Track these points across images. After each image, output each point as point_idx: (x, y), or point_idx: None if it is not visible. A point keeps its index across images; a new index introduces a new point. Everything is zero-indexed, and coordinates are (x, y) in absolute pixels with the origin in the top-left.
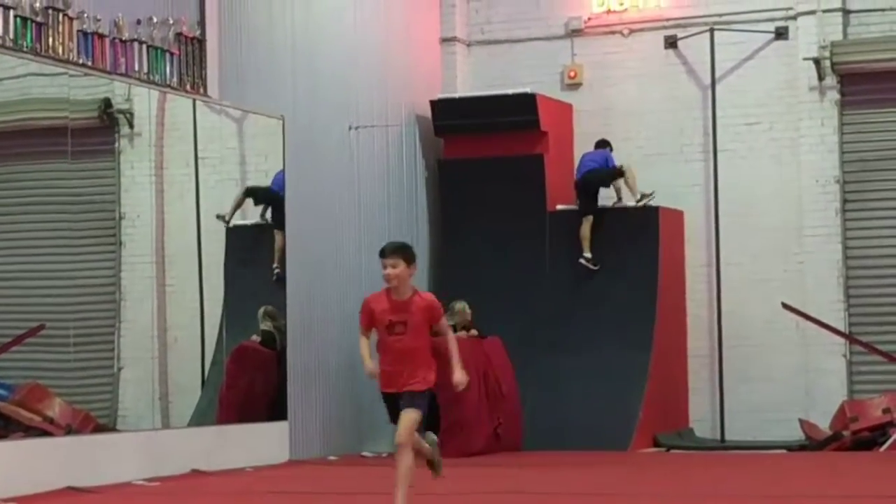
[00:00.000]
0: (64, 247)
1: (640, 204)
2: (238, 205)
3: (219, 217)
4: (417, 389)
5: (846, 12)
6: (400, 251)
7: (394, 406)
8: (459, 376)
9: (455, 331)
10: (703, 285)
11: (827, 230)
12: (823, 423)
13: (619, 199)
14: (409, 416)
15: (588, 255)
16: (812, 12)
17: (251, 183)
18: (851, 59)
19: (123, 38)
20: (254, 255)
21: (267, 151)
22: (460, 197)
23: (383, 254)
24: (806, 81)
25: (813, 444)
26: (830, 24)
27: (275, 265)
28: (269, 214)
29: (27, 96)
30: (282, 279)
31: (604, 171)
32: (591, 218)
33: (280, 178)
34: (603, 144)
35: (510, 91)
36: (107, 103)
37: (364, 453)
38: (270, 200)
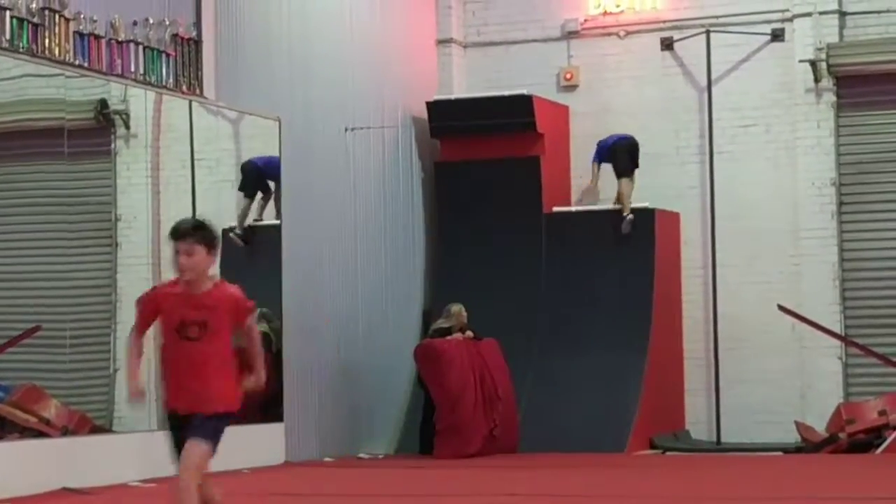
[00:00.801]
0: (60, 248)
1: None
2: (244, 212)
3: (233, 233)
4: (212, 412)
5: (842, 14)
6: (198, 233)
7: (179, 433)
8: (254, 381)
9: (451, 333)
10: (700, 287)
11: (823, 233)
12: (819, 426)
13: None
14: (196, 452)
15: (630, 215)
16: (808, 14)
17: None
18: (848, 61)
19: (120, 40)
20: (250, 258)
21: (263, 153)
22: (456, 199)
23: (175, 235)
24: (802, 83)
25: (809, 446)
26: (827, 26)
27: (235, 228)
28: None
29: (23, 97)
30: (246, 243)
31: (635, 149)
32: (633, 177)
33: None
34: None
35: (506, 93)
36: (103, 104)
37: (360, 455)
38: (260, 180)
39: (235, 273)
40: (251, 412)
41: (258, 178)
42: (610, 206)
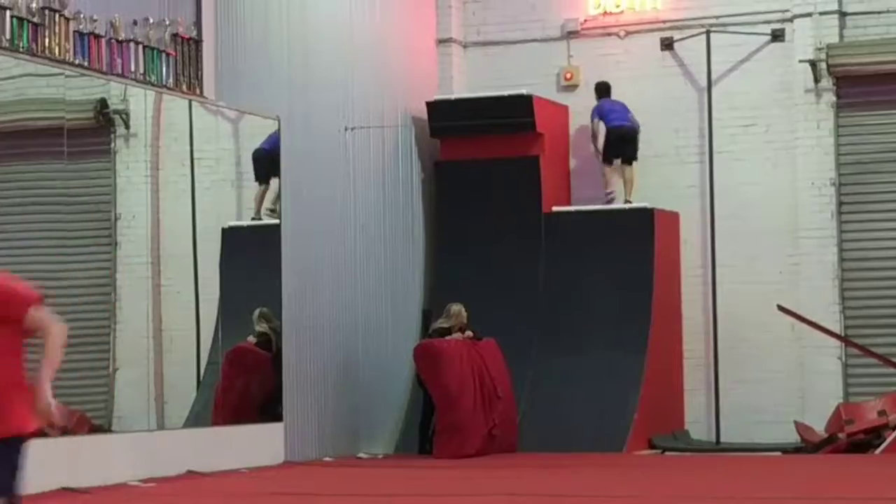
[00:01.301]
0: (59, 247)
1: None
2: (259, 199)
3: (269, 211)
4: None
5: (842, 14)
6: None
7: None
8: (44, 404)
9: (451, 333)
10: (699, 287)
11: (822, 233)
12: (819, 426)
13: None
14: None
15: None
16: (808, 14)
17: (248, 183)
18: (847, 61)
19: (120, 39)
20: (250, 256)
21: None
22: (456, 198)
23: None
24: (802, 84)
25: (808, 446)
26: (826, 26)
27: (263, 209)
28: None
29: (23, 97)
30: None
31: (636, 137)
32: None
33: (273, 140)
34: (605, 91)
35: (506, 93)
36: (103, 104)
37: (360, 455)
38: (272, 164)
39: (236, 272)
40: (251, 412)
41: (270, 162)
42: (608, 206)
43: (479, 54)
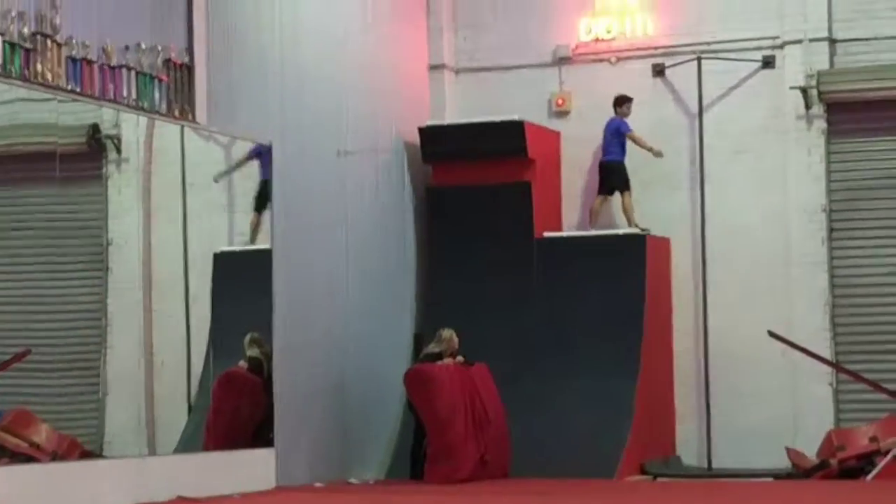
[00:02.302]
0: (51, 272)
1: (633, 230)
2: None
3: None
4: None
5: (833, 42)
6: None
7: None
8: None
9: (442, 358)
10: (690, 313)
11: (814, 258)
12: (810, 452)
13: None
14: None
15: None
16: (799, 41)
17: (240, 208)
18: (838, 88)
19: (112, 65)
20: (241, 281)
21: (254, 177)
22: (448, 224)
23: None
24: (793, 110)
25: (799, 472)
26: (817, 53)
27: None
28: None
29: (16, 122)
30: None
31: (619, 173)
32: (628, 193)
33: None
34: (620, 102)
35: (498, 118)
36: (95, 129)
37: (351, 480)
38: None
39: (227, 297)
40: (242, 437)
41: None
42: (601, 231)
43: (471, 80)
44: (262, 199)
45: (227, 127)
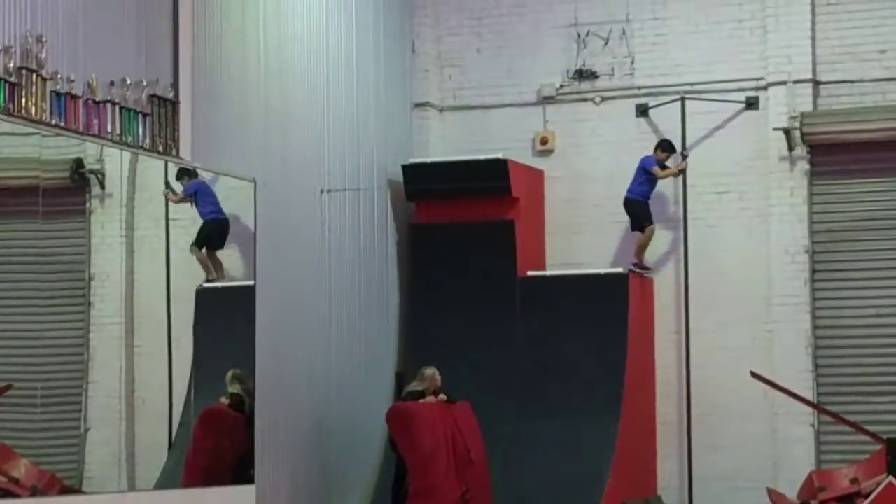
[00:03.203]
0: (32, 306)
1: (636, 271)
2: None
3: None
4: None
5: (816, 83)
6: None
7: None
8: None
9: (424, 396)
10: (673, 353)
11: (796, 300)
12: (791, 493)
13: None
14: None
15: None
16: (783, 83)
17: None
18: (821, 129)
19: (97, 100)
20: (224, 318)
21: (238, 213)
22: (431, 262)
23: None
24: (776, 151)
25: None
26: (801, 94)
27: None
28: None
29: None
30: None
31: (641, 211)
32: (650, 228)
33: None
34: (661, 147)
35: (482, 156)
36: (78, 163)
37: None
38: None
39: (210, 333)
40: (223, 473)
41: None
42: (583, 270)
43: (455, 118)
44: (207, 237)
45: (211, 163)
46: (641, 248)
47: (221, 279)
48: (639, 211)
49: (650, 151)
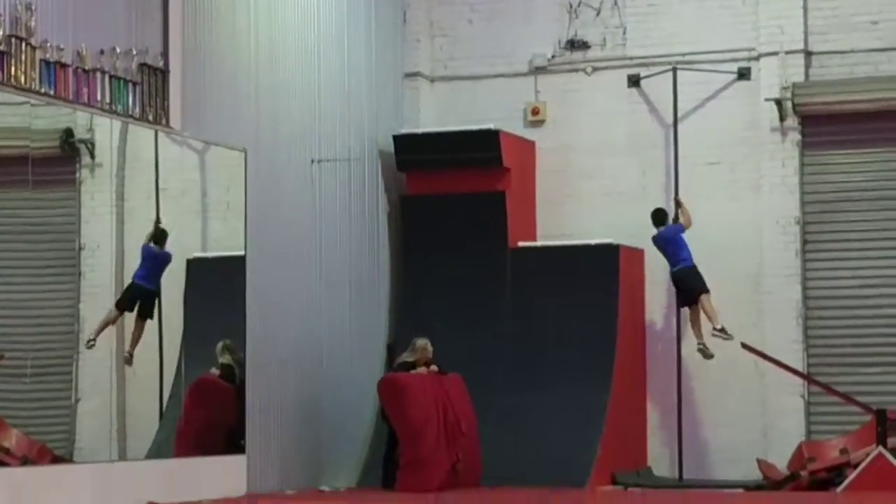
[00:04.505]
0: (23, 276)
1: (717, 335)
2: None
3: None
4: None
5: (808, 54)
6: None
7: None
8: None
9: (415, 367)
10: (663, 324)
11: (787, 271)
12: (781, 464)
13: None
14: None
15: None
16: (774, 53)
17: (214, 214)
18: (813, 100)
19: (86, 68)
20: (214, 288)
21: (229, 184)
22: (422, 233)
23: None
24: (768, 122)
25: (770, 484)
26: (792, 65)
27: (126, 349)
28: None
29: None
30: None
31: (694, 280)
32: (707, 295)
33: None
34: (663, 218)
35: (473, 127)
36: (68, 133)
37: (322, 488)
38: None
39: (200, 304)
40: (213, 443)
41: (146, 296)
42: (574, 241)
43: (446, 89)
44: (129, 300)
45: (201, 133)
46: (713, 316)
47: (129, 352)
48: (694, 277)
49: (642, 122)
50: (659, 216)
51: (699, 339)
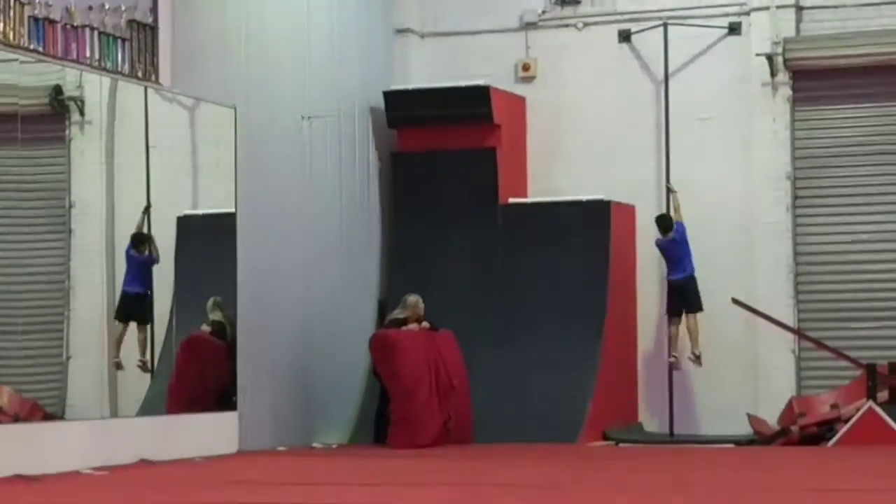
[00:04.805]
0: (13, 234)
1: (692, 360)
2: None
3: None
4: None
5: (799, 9)
6: None
7: None
8: None
9: (407, 324)
10: (654, 280)
11: (778, 226)
12: (771, 419)
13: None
14: None
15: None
16: (765, 8)
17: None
18: (803, 55)
19: (75, 25)
20: (204, 245)
21: (219, 140)
22: (413, 189)
23: None
24: (758, 77)
25: (761, 439)
26: (783, 20)
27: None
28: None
29: None
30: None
31: (694, 294)
32: (689, 316)
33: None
34: (669, 224)
35: (463, 83)
36: (58, 90)
37: (314, 445)
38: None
39: (191, 261)
40: (205, 400)
41: (138, 303)
42: (565, 197)
43: (436, 45)
44: (127, 309)
45: (191, 89)
46: (696, 340)
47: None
48: (694, 291)
49: (632, 78)
50: (665, 222)
51: (671, 354)
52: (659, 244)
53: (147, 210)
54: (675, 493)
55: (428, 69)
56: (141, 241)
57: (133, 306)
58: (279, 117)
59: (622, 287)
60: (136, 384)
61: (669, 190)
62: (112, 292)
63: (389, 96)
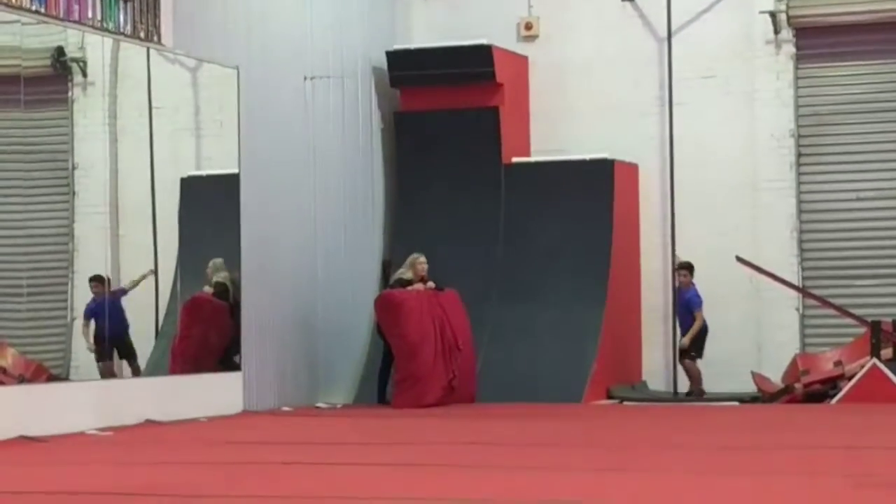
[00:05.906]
0: (17, 196)
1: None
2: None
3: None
4: None
5: None
6: None
7: None
8: None
9: (411, 283)
10: (658, 239)
11: (781, 184)
12: (776, 377)
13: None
14: None
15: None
16: None
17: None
18: (807, 12)
19: None
20: (208, 206)
21: (221, 101)
22: (416, 149)
23: None
24: (762, 35)
25: (765, 396)
26: None
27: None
28: None
29: None
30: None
31: (695, 342)
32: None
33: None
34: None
35: (466, 43)
36: (60, 52)
37: (318, 404)
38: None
39: (195, 222)
40: (209, 361)
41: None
42: (568, 156)
43: (439, 4)
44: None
45: (194, 50)
46: (695, 379)
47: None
48: (695, 342)
49: (636, 36)
50: (692, 268)
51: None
52: (681, 295)
53: (148, 275)
54: (679, 451)
55: (431, 29)
56: (94, 279)
57: (118, 347)
58: (282, 78)
59: (626, 245)
60: (141, 345)
61: (676, 262)
62: (116, 254)
63: (392, 56)
